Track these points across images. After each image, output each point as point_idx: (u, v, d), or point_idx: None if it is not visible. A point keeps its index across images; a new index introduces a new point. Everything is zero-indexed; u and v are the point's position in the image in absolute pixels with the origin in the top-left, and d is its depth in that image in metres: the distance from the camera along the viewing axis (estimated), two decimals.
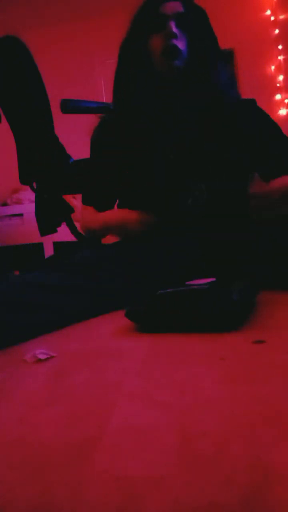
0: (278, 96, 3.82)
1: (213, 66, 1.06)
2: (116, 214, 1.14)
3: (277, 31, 3.78)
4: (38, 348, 0.62)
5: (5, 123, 1.79)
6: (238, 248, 0.92)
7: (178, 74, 1.04)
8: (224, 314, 0.64)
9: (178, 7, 1.02)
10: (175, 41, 1.01)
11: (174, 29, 1.00)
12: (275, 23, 3.79)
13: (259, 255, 0.88)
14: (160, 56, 1.03)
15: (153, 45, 1.03)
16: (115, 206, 1.22)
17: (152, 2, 1.04)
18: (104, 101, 1.99)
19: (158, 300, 0.70)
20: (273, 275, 0.84)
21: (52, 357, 0.60)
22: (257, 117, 1.14)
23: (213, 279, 0.74)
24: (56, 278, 0.85)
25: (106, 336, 0.70)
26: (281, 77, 3.81)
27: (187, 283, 0.74)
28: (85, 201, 1.23)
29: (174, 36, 1.00)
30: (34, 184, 1.85)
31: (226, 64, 1.14)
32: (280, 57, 3.79)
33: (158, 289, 0.72)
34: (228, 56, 3.83)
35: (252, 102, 1.16)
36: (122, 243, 1.12)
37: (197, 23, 1.05)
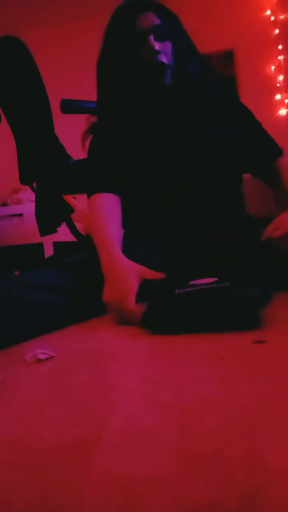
0: (278, 96, 3.82)
1: (192, 65, 1.04)
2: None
3: (277, 31, 3.78)
4: (38, 348, 0.62)
5: (5, 123, 1.79)
6: (238, 248, 0.92)
7: (166, 89, 1.02)
8: (250, 310, 0.64)
9: (153, 19, 0.98)
10: (160, 57, 0.97)
11: (156, 45, 0.96)
12: (275, 23, 3.79)
13: (258, 255, 0.88)
14: (148, 74, 1.00)
15: (138, 60, 0.99)
16: None
17: (125, 17, 1.00)
18: None
19: (179, 300, 0.67)
20: (273, 275, 0.84)
21: (52, 357, 0.60)
22: (243, 111, 1.16)
23: (215, 279, 0.72)
24: (56, 278, 0.85)
25: (106, 336, 0.70)
26: (281, 77, 3.80)
27: (191, 282, 0.71)
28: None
29: (157, 52, 0.96)
30: (34, 184, 1.85)
31: (203, 61, 1.12)
32: (280, 57, 3.79)
33: (169, 290, 0.69)
34: (228, 56, 3.83)
35: (236, 98, 1.19)
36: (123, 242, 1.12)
37: (174, 30, 1.02)
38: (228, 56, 3.83)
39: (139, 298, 0.71)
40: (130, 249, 0.97)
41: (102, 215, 0.96)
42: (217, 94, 1.10)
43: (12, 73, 1.70)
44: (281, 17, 3.78)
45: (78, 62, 3.87)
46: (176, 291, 0.69)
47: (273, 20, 3.79)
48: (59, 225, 1.85)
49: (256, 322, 0.63)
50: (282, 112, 3.81)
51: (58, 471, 0.34)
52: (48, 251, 2.96)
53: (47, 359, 0.60)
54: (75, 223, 1.93)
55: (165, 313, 0.67)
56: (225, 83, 3.81)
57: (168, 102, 1.07)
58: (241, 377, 0.47)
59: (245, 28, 3.79)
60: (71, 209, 1.85)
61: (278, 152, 1.13)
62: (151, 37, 0.97)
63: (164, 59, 0.98)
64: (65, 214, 1.85)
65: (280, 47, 3.78)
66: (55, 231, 1.87)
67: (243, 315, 0.64)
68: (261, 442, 0.34)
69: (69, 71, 3.83)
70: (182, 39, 1.04)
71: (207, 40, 3.75)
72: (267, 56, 3.84)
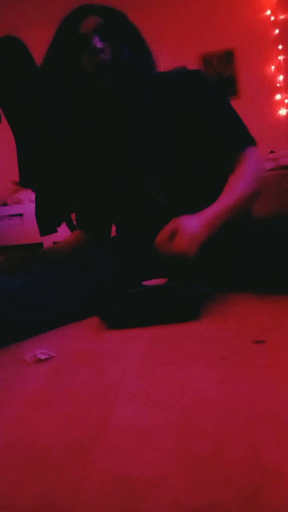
0: (278, 96, 3.82)
1: (124, 56, 0.97)
2: None
3: (277, 31, 3.78)
4: (38, 348, 0.62)
5: (5, 123, 1.79)
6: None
7: (114, 86, 0.97)
8: (192, 304, 0.74)
9: (96, 20, 0.96)
10: (102, 55, 0.94)
11: (99, 44, 0.93)
12: (275, 23, 3.79)
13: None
14: (91, 78, 0.96)
15: (82, 65, 0.96)
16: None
17: (70, 23, 0.98)
18: None
19: (136, 298, 0.77)
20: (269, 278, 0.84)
21: (52, 357, 0.60)
22: (200, 92, 1.02)
23: (165, 280, 0.84)
24: (56, 277, 0.85)
25: (106, 336, 0.70)
26: (281, 77, 3.81)
27: (144, 283, 0.82)
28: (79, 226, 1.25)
29: (100, 51, 0.93)
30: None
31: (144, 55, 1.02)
32: (280, 57, 3.79)
33: (123, 290, 0.79)
34: (228, 56, 3.83)
35: (192, 74, 1.06)
36: (117, 239, 1.13)
37: (121, 30, 0.98)
38: (228, 56, 3.83)
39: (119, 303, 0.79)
40: (128, 247, 0.99)
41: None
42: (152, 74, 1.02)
43: (12, 73, 1.70)
44: (281, 17, 3.78)
45: None
46: (129, 291, 0.79)
47: (273, 20, 3.79)
48: (59, 225, 1.85)
49: (196, 314, 0.73)
50: (282, 112, 3.81)
51: (57, 471, 0.34)
52: None
53: (47, 359, 0.60)
54: (75, 223, 1.93)
55: (118, 309, 0.76)
56: (225, 83, 3.82)
57: (112, 107, 1.01)
58: (241, 377, 0.47)
59: (245, 28, 3.79)
60: (71, 209, 1.85)
61: (240, 142, 1.00)
62: (95, 38, 0.94)
63: (106, 56, 0.94)
64: (65, 214, 1.85)
65: (280, 47, 3.78)
66: (55, 231, 1.86)
67: (184, 309, 0.73)
68: (261, 442, 0.34)
69: None
70: (130, 36, 0.99)
71: (207, 40, 3.78)
72: (267, 56, 3.84)
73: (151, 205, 1.02)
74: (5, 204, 3.64)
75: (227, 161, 1.00)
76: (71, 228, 1.91)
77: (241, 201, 0.94)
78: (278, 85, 3.82)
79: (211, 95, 1.02)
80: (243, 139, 1.01)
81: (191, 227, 0.85)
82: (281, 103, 3.82)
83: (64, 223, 1.89)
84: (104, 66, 0.94)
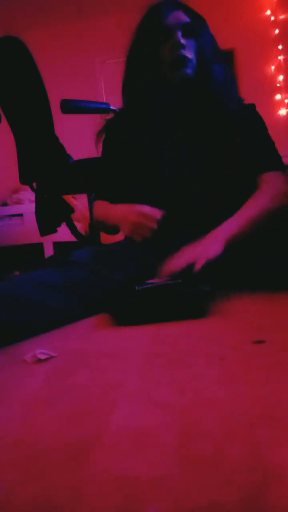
0: (278, 96, 3.82)
1: (216, 70, 1.08)
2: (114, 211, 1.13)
3: (277, 31, 3.78)
4: (38, 348, 0.62)
5: (5, 123, 1.79)
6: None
7: (187, 81, 1.06)
8: (199, 302, 0.75)
9: (182, 17, 1.05)
10: (183, 51, 1.03)
11: (182, 40, 1.03)
12: (275, 23, 3.79)
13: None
14: (169, 66, 1.05)
15: (162, 54, 1.05)
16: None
17: (156, 14, 1.06)
18: (104, 101, 1.99)
19: (144, 295, 0.77)
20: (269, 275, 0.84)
21: (52, 357, 0.60)
22: (255, 123, 1.15)
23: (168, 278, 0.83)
24: (56, 277, 0.85)
25: (106, 336, 0.70)
26: (281, 77, 3.80)
27: (148, 281, 0.83)
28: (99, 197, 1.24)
29: (182, 46, 1.03)
30: (34, 184, 1.85)
31: (227, 65, 1.16)
32: (280, 57, 3.79)
33: (131, 287, 0.80)
34: (228, 56, 3.83)
35: (252, 107, 1.18)
36: (122, 242, 1.13)
37: (200, 30, 1.08)
38: (228, 56, 3.82)
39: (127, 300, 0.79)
40: (129, 248, 0.99)
41: (101, 204, 1.17)
42: (235, 105, 1.12)
43: (12, 73, 1.70)
44: (281, 17, 3.78)
45: (78, 62, 3.88)
46: (137, 288, 0.80)
47: (273, 20, 3.79)
48: (59, 225, 1.85)
49: (202, 312, 0.74)
50: (282, 112, 3.81)
51: (58, 471, 0.34)
52: (48, 251, 2.96)
53: (47, 359, 0.60)
54: (75, 223, 1.93)
55: (126, 305, 0.77)
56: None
57: (179, 103, 1.08)
58: (241, 377, 0.47)
59: (245, 28, 3.79)
60: (71, 209, 1.85)
61: (271, 166, 1.09)
62: (179, 33, 1.03)
63: (187, 54, 1.04)
64: (65, 214, 1.85)
65: (280, 47, 3.78)
66: (55, 231, 1.86)
67: (191, 306, 0.74)
68: (261, 442, 0.34)
69: (69, 71, 3.84)
70: (207, 41, 1.09)
71: None
72: (267, 56, 3.84)
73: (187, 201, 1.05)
74: (5, 204, 3.64)
75: (256, 179, 1.07)
76: (71, 228, 1.91)
77: (263, 214, 0.99)
78: (278, 85, 3.82)
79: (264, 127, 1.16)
80: (278, 164, 1.11)
81: (212, 251, 0.87)
82: (281, 103, 3.82)
83: (64, 223, 1.89)
84: (184, 60, 1.03)
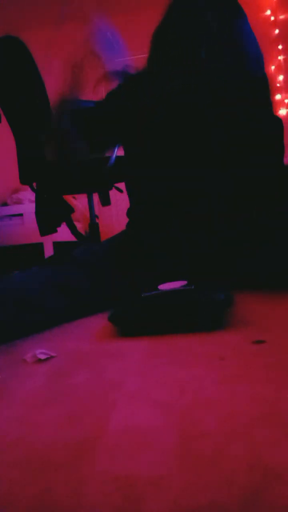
0: (278, 96, 3.82)
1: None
2: None
3: (277, 31, 3.78)
4: (38, 348, 0.62)
5: (5, 123, 1.79)
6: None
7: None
8: (211, 314, 0.66)
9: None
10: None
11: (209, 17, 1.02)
12: (275, 23, 3.79)
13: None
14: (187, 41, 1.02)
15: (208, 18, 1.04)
16: None
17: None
18: None
19: (144, 303, 0.70)
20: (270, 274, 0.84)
21: (52, 357, 0.60)
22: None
23: (184, 282, 0.74)
24: (56, 276, 0.85)
25: (106, 336, 0.70)
26: (281, 77, 3.80)
27: (159, 286, 0.74)
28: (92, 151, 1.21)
29: (208, 22, 1.02)
30: (34, 184, 1.85)
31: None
32: (280, 57, 3.79)
33: (137, 293, 0.73)
34: None
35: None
36: (122, 236, 1.13)
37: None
38: None
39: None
40: (130, 245, 0.98)
41: None
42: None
43: (12, 73, 1.70)
44: (281, 17, 3.78)
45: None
46: (143, 294, 0.72)
47: (273, 20, 3.79)
48: (59, 225, 1.85)
49: (219, 323, 0.65)
50: (282, 112, 3.81)
51: (58, 471, 0.34)
52: (48, 251, 2.96)
53: (47, 359, 0.60)
54: (75, 223, 1.93)
55: (130, 314, 0.70)
56: None
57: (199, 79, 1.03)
58: (241, 377, 0.47)
59: None
60: (71, 209, 1.86)
61: None
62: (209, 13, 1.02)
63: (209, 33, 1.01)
64: (65, 214, 1.85)
65: (280, 47, 3.78)
66: (55, 231, 1.87)
67: (204, 317, 0.65)
68: (261, 442, 0.34)
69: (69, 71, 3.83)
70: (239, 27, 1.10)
71: None
72: (267, 56, 3.82)
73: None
74: (5, 204, 3.64)
75: None
76: (71, 228, 1.91)
77: None
78: (278, 85, 3.82)
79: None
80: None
81: None
82: (281, 103, 3.82)
83: (64, 223, 1.89)
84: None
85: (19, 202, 3.55)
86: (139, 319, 0.68)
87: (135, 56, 1.22)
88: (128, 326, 0.69)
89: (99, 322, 0.79)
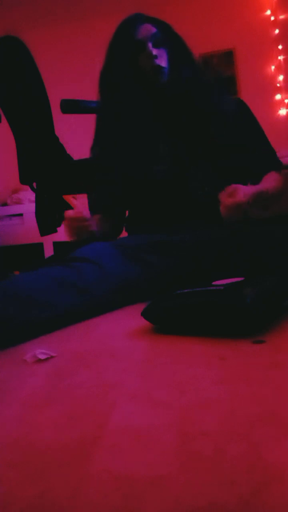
0: (278, 96, 3.81)
1: (185, 73, 1.12)
2: None
3: (277, 31, 3.78)
4: (38, 348, 0.62)
5: (5, 123, 1.79)
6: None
7: (163, 87, 1.11)
8: (236, 318, 0.61)
9: (150, 28, 1.10)
10: (157, 61, 1.08)
11: (154, 51, 1.08)
12: (275, 23, 3.79)
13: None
14: (148, 74, 1.11)
15: (140, 63, 1.11)
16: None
17: (127, 30, 1.11)
18: None
19: (174, 301, 0.68)
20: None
21: (52, 357, 0.60)
22: (245, 117, 1.20)
23: (241, 279, 0.70)
24: (57, 276, 0.85)
25: (106, 336, 0.70)
26: (281, 77, 3.80)
27: (214, 283, 0.70)
28: (92, 211, 1.24)
29: (154, 57, 1.08)
30: (34, 184, 1.85)
31: (207, 67, 1.23)
32: (280, 57, 3.79)
33: (175, 288, 0.72)
34: (228, 56, 3.83)
35: (240, 101, 1.23)
36: (125, 238, 1.14)
37: (169, 38, 1.13)
38: (228, 56, 3.82)
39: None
40: (134, 245, 1.00)
41: None
42: (224, 106, 1.16)
43: (12, 73, 1.70)
44: (281, 17, 3.78)
45: (78, 62, 3.87)
46: (178, 291, 0.70)
47: (273, 20, 3.79)
48: (59, 225, 1.85)
49: (246, 329, 0.61)
50: (282, 112, 3.81)
51: (58, 471, 0.34)
52: (48, 251, 2.96)
53: (47, 359, 0.60)
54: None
55: (161, 309, 0.69)
56: (224, 83, 3.82)
57: (164, 102, 1.13)
58: (241, 377, 0.47)
59: (245, 28, 3.79)
60: (71, 209, 1.85)
61: (272, 166, 1.10)
62: (150, 44, 1.09)
63: (161, 63, 1.09)
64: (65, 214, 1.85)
65: (280, 47, 3.78)
66: (55, 231, 1.87)
67: (226, 321, 0.62)
68: (261, 442, 0.34)
69: (69, 71, 3.83)
70: (177, 45, 1.14)
71: (207, 40, 3.77)
72: (267, 56, 3.83)
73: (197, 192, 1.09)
74: (5, 204, 3.64)
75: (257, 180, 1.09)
76: None
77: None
78: (278, 85, 3.82)
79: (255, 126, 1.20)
80: (278, 164, 1.15)
81: (246, 188, 0.91)
82: (281, 103, 3.82)
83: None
84: (160, 70, 1.09)
85: (19, 202, 3.55)
86: (169, 316, 0.67)
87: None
88: (159, 323, 0.69)
89: (99, 323, 0.79)
